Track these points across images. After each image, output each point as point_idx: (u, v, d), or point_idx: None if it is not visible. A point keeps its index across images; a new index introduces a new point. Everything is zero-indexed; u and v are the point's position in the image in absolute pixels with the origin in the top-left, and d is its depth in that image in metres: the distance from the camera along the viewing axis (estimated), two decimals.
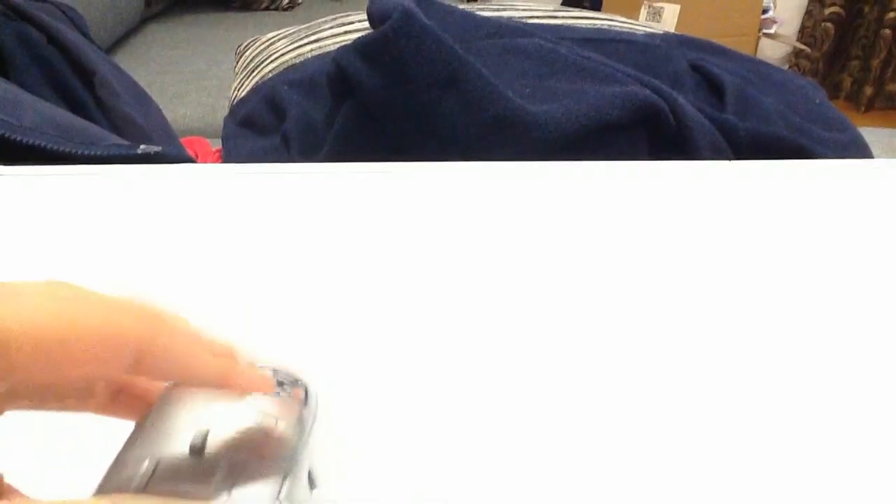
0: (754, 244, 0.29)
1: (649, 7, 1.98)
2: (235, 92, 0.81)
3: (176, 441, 0.17)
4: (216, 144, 0.81)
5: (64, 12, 0.69)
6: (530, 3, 0.78)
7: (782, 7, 2.35)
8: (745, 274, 0.27)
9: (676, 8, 1.97)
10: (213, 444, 0.17)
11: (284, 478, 0.17)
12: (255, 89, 0.72)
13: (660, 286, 0.26)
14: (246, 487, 0.16)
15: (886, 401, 0.21)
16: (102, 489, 0.16)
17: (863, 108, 2.53)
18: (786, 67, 2.31)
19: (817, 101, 0.61)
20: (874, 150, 0.61)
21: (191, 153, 0.72)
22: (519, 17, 0.71)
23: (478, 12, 0.63)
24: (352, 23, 0.75)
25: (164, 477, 0.16)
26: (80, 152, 0.40)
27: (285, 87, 0.65)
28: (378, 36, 0.49)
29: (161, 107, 0.71)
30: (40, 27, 0.59)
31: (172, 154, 0.44)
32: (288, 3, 2.06)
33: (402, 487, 0.19)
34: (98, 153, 0.41)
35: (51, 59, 0.58)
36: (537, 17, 0.72)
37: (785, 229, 0.30)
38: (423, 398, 0.22)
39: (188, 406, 0.18)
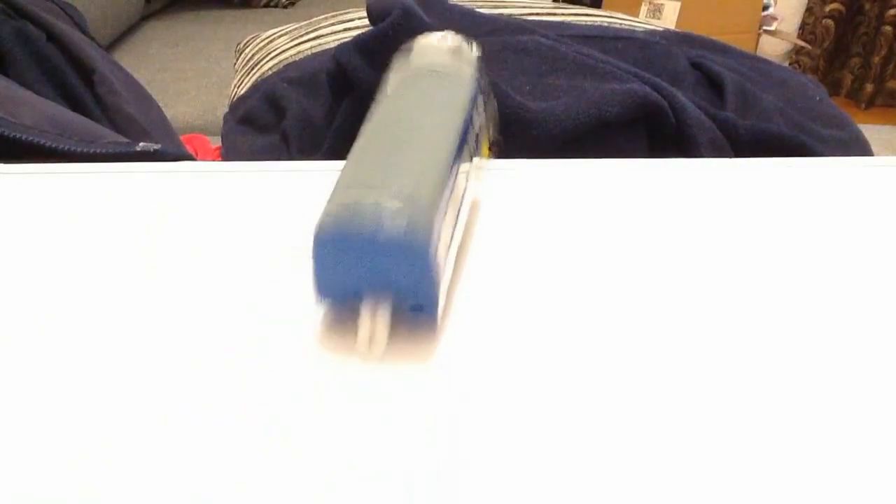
0: (754, 242, 0.29)
1: (649, 4, 1.98)
2: (235, 89, 0.81)
3: None
4: (216, 142, 0.81)
5: (63, 10, 0.69)
6: (530, 1, 0.77)
7: (783, 4, 2.35)
8: (744, 273, 0.27)
9: (677, 5, 1.97)
10: None
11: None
12: (255, 86, 0.72)
13: (658, 284, 0.26)
14: None
15: (886, 400, 0.21)
16: None
17: (863, 106, 2.53)
18: (786, 64, 2.30)
19: (818, 99, 0.60)
20: (875, 148, 0.61)
21: (190, 151, 0.72)
22: (519, 15, 0.71)
23: (477, 9, 0.63)
24: (351, 20, 0.75)
25: None
26: (78, 150, 0.40)
27: (285, 85, 0.65)
28: (377, 33, 0.49)
29: (161, 104, 0.71)
30: (39, 24, 0.59)
31: (171, 152, 0.43)
32: (288, 1, 2.06)
33: (400, 487, 0.19)
34: (97, 151, 0.41)
35: (50, 56, 0.58)
36: (537, 14, 0.72)
37: (785, 227, 0.30)
38: (420, 397, 0.22)
39: None
